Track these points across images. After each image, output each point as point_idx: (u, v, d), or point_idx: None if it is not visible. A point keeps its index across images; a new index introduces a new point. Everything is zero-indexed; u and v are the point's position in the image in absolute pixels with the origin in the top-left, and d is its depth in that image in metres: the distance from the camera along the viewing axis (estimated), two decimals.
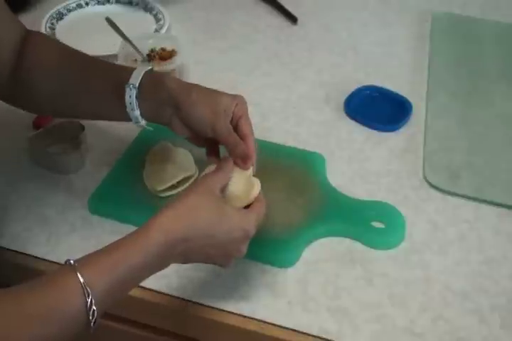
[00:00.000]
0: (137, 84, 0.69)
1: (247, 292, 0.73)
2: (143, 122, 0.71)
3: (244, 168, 0.69)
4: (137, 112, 0.70)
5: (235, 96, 0.73)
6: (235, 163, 0.69)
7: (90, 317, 0.54)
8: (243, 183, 0.68)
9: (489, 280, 0.76)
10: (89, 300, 0.53)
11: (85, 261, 0.55)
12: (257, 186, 0.68)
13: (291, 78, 1.06)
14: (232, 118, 0.70)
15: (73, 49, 0.77)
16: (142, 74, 0.70)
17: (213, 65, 1.08)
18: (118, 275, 0.55)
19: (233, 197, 0.67)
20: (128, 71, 0.71)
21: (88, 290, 0.53)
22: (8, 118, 0.95)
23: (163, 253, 0.58)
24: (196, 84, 0.72)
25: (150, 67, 0.72)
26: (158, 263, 0.59)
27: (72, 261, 0.55)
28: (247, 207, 0.67)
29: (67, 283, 0.53)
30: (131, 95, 0.69)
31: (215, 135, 0.70)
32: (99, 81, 0.73)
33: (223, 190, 0.67)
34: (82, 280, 0.53)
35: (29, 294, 0.53)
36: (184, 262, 0.63)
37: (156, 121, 0.72)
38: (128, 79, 0.69)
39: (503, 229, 0.82)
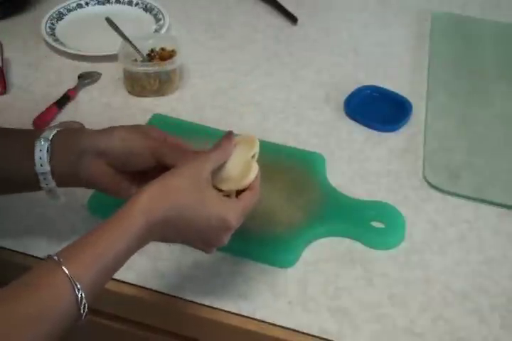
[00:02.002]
0: (50, 137, 0.63)
1: (247, 292, 0.73)
2: (52, 184, 0.65)
3: (187, 156, 0.64)
4: (47, 168, 0.63)
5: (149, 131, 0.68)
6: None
7: (82, 311, 0.53)
8: (242, 166, 0.65)
9: (489, 280, 0.76)
10: (80, 295, 0.52)
11: (69, 255, 0.54)
12: (254, 171, 0.65)
13: (291, 78, 1.06)
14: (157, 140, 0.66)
15: None
16: (54, 131, 0.65)
17: (213, 65, 1.08)
18: (104, 264, 0.55)
19: (227, 177, 0.65)
20: (38, 131, 0.66)
21: (78, 285, 0.52)
22: (8, 119, 0.95)
23: (144, 235, 0.57)
24: (112, 127, 0.67)
25: (60, 129, 0.66)
26: (139, 244, 0.58)
27: (56, 257, 0.53)
28: (239, 192, 0.65)
29: (55, 280, 0.52)
30: (41, 149, 0.63)
31: (161, 152, 0.64)
32: (6, 146, 0.66)
33: (219, 168, 0.64)
34: (69, 274, 0.52)
35: (18, 295, 0.52)
36: (162, 241, 0.62)
37: (70, 180, 0.66)
38: (38, 136, 0.64)
39: (503, 229, 0.82)
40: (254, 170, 0.66)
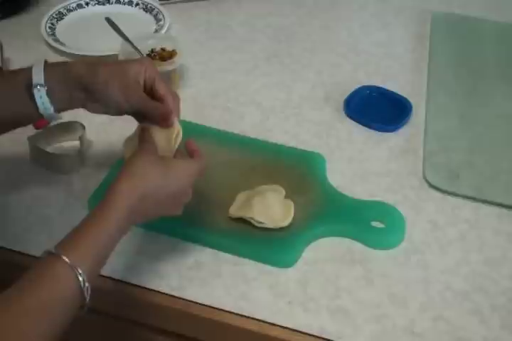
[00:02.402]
0: (43, 82, 0.68)
1: (247, 292, 0.73)
2: (58, 116, 0.71)
3: (165, 125, 0.72)
4: (51, 110, 0.69)
5: (141, 62, 0.73)
6: (158, 124, 0.72)
7: (85, 294, 0.57)
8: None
9: (489, 280, 0.76)
10: (82, 279, 0.56)
11: (66, 246, 0.58)
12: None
13: (291, 78, 1.06)
14: (144, 84, 0.72)
15: None
16: (42, 69, 0.68)
17: (213, 65, 1.08)
18: (98, 250, 0.59)
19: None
20: (27, 70, 0.69)
21: (79, 270, 0.56)
22: None
23: (129, 215, 0.62)
24: (103, 62, 0.73)
25: (44, 59, 0.70)
26: (127, 225, 0.63)
27: (53, 250, 0.57)
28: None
29: (58, 270, 0.56)
30: (41, 96, 0.68)
31: (133, 108, 0.71)
32: (3, 88, 0.70)
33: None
34: (69, 262, 0.56)
35: (26, 290, 0.55)
36: (142, 220, 0.67)
37: (70, 109, 0.72)
38: (30, 79, 0.68)
39: (503, 229, 0.82)
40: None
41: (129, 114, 0.74)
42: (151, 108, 0.72)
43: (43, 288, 0.55)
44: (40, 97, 0.68)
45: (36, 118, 0.71)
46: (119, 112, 0.74)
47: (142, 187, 0.64)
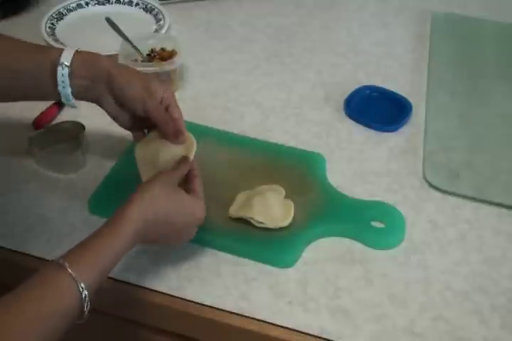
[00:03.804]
0: (69, 63, 0.71)
1: (248, 292, 0.73)
2: (73, 101, 0.73)
3: (178, 142, 0.75)
4: (68, 90, 0.72)
5: (162, 82, 0.77)
6: (166, 139, 0.76)
7: (85, 309, 0.58)
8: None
9: (489, 280, 0.76)
10: (84, 294, 0.57)
11: (73, 258, 0.59)
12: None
13: (291, 78, 1.06)
14: (161, 102, 0.75)
15: None
16: (73, 52, 0.72)
17: (213, 65, 1.08)
18: (103, 266, 0.61)
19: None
20: (57, 50, 0.73)
21: (82, 285, 0.57)
22: (8, 119, 0.95)
23: (134, 239, 0.64)
24: (127, 66, 0.77)
25: (77, 48, 0.73)
26: (130, 247, 0.65)
27: (61, 261, 0.58)
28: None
29: (62, 281, 0.57)
30: (63, 74, 0.71)
31: (148, 112, 0.74)
32: (27, 61, 0.73)
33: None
34: (74, 276, 0.57)
35: (28, 296, 0.56)
36: (144, 242, 0.69)
37: (86, 98, 0.75)
38: (58, 58, 0.71)
39: (503, 229, 0.82)
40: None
41: (128, 126, 0.78)
42: (165, 119, 0.74)
43: (44, 298, 0.56)
44: (62, 75, 0.71)
45: (52, 97, 0.74)
46: (128, 117, 0.76)
47: (152, 212, 0.66)
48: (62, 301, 0.57)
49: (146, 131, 0.79)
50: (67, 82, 0.71)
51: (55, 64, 0.71)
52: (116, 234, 0.63)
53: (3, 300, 0.55)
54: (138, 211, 0.65)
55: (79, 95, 0.74)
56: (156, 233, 0.68)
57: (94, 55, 0.74)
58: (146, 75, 0.76)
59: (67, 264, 0.58)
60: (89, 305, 0.58)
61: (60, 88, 0.72)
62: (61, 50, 0.72)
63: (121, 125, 0.78)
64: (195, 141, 0.77)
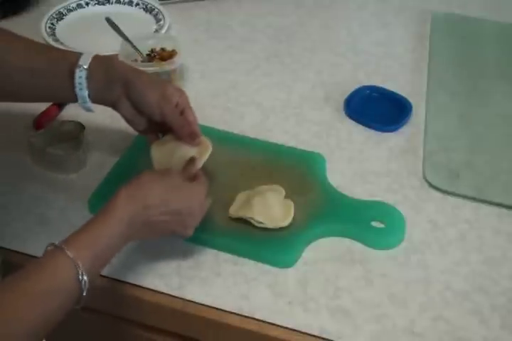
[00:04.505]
0: (87, 66, 0.72)
1: (248, 292, 0.73)
2: (89, 103, 0.74)
3: (193, 144, 0.77)
4: (85, 92, 0.73)
5: (177, 87, 0.79)
6: (182, 141, 0.77)
7: (83, 287, 0.59)
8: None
9: (489, 280, 0.76)
10: (81, 272, 0.59)
11: (70, 241, 0.62)
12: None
13: (291, 78, 1.06)
14: (176, 106, 0.76)
15: (14, 33, 0.77)
16: (91, 57, 0.73)
17: (213, 65, 1.08)
18: (99, 248, 0.63)
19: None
20: (74, 53, 0.75)
21: (78, 262, 0.59)
22: (8, 118, 0.95)
23: (130, 221, 0.65)
24: (144, 71, 0.78)
25: (95, 53, 0.75)
26: (130, 231, 0.66)
27: (58, 244, 0.61)
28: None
29: (58, 261, 0.60)
30: (81, 76, 0.72)
31: (164, 116, 0.75)
32: (44, 61, 0.74)
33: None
34: (70, 255, 0.59)
35: (29, 275, 0.59)
36: (148, 234, 0.69)
37: (103, 102, 0.76)
38: (76, 60, 0.73)
39: (503, 229, 0.82)
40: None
41: (142, 129, 0.79)
42: (181, 123, 0.76)
43: (43, 276, 0.59)
44: (80, 77, 0.72)
45: (70, 97, 0.74)
46: (144, 121, 0.78)
47: (141, 196, 0.67)
48: (60, 278, 0.59)
49: (160, 134, 0.80)
50: (85, 84, 0.72)
51: (74, 66, 0.72)
52: (108, 217, 0.65)
53: (5, 280, 0.58)
54: (126, 196, 0.66)
55: (96, 98, 0.75)
56: (156, 218, 0.68)
57: (112, 60, 0.76)
58: (161, 80, 0.78)
59: (64, 246, 0.60)
60: (87, 285, 0.59)
61: (77, 90, 0.73)
62: (79, 53, 0.74)
63: (136, 129, 0.80)
64: (210, 145, 0.78)
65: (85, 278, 0.59)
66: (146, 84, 0.75)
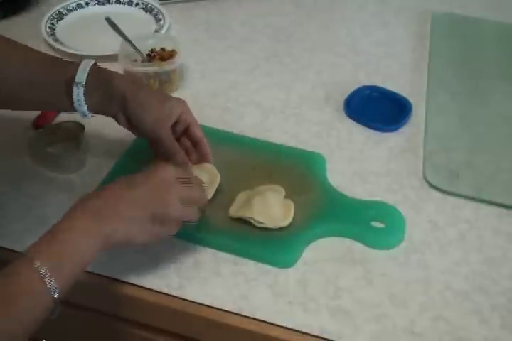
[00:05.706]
0: (84, 82, 0.73)
1: (248, 292, 0.73)
2: (89, 115, 0.76)
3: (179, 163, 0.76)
4: (84, 108, 0.74)
5: (180, 102, 0.78)
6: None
7: (49, 286, 0.57)
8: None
9: (489, 280, 0.76)
10: (43, 271, 0.57)
11: (33, 247, 0.60)
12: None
13: (291, 78, 1.06)
14: (179, 122, 0.77)
15: (12, 41, 0.77)
16: (88, 70, 0.73)
17: (213, 64, 1.08)
18: (67, 250, 0.60)
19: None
20: (73, 66, 0.74)
21: (35, 263, 0.57)
22: (8, 118, 0.95)
23: (83, 209, 0.64)
24: (144, 85, 0.78)
25: (93, 61, 0.75)
26: (96, 227, 0.63)
27: (24, 252, 0.59)
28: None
29: (22, 268, 0.58)
30: (78, 93, 0.73)
31: (158, 141, 0.76)
32: (43, 75, 0.74)
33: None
34: (29, 255, 0.58)
35: None
36: (122, 226, 0.64)
37: (103, 114, 0.77)
38: (74, 75, 0.73)
39: (503, 229, 0.82)
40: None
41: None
42: (173, 151, 0.76)
43: (6, 281, 0.57)
44: (77, 94, 0.73)
45: (70, 110, 0.76)
46: (141, 135, 0.79)
47: (97, 191, 0.66)
48: (24, 284, 0.57)
49: None
50: (83, 100, 0.73)
51: (71, 81, 0.73)
52: (63, 219, 0.63)
53: None
54: (81, 198, 0.65)
55: (95, 111, 0.76)
56: (128, 210, 0.64)
57: (110, 74, 0.75)
58: (162, 95, 0.77)
59: (26, 252, 0.59)
60: (53, 284, 0.57)
61: (75, 105, 0.74)
62: (77, 66, 0.73)
63: (138, 136, 0.81)
64: (218, 174, 0.80)
65: (54, 284, 0.57)
66: (142, 105, 0.74)
